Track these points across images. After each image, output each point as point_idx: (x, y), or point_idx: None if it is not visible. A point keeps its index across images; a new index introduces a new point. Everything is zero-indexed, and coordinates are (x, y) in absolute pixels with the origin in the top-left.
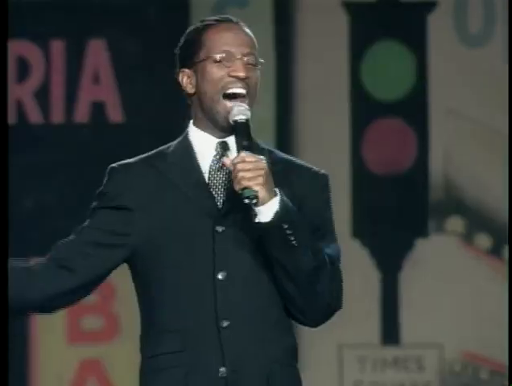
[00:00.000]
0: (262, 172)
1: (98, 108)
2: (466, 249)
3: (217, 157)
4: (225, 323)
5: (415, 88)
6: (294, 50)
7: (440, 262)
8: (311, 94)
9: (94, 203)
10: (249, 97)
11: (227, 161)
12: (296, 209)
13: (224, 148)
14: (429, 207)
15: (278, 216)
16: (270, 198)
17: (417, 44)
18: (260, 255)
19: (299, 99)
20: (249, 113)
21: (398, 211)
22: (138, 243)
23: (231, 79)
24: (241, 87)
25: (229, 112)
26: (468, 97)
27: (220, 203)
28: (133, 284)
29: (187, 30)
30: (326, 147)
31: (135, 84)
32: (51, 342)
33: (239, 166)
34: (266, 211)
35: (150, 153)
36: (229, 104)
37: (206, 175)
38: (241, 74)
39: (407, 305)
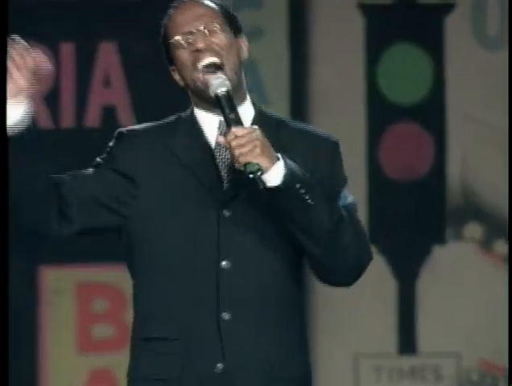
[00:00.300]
0: (258, 142)
1: (109, 111)
2: (484, 256)
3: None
4: (227, 316)
5: (432, 92)
6: (309, 52)
7: (458, 269)
8: (326, 97)
9: (99, 159)
10: (227, 62)
11: (221, 139)
12: (303, 170)
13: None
14: (446, 213)
15: (288, 177)
16: (273, 163)
17: (434, 47)
18: (268, 242)
19: (314, 101)
20: (228, 83)
21: (415, 217)
22: (137, 217)
23: (196, 53)
24: (209, 56)
25: (208, 86)
26: (486, 101)
27: (226, 186)
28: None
29: None
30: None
31: (147, 87)
32: (62, 352)
33: (233, 144)
34: (274, 178)
35: (159, 125)
36: (206, 77)
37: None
38: (200, 45)
39: (424, 314)
